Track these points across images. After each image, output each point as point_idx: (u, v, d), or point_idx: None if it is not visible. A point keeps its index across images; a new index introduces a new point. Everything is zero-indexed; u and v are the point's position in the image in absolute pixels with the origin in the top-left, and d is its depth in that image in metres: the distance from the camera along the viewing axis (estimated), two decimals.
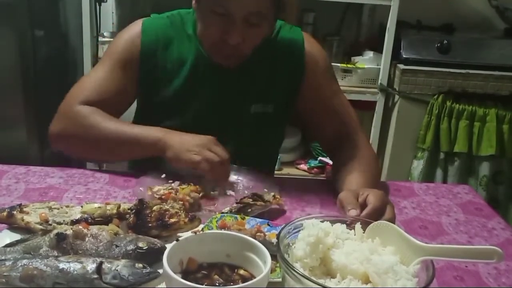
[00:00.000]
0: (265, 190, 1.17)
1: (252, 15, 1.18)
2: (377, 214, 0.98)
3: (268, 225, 0.99)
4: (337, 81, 1.45)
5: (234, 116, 1.36)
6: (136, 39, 1.33)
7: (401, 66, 2.52)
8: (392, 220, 1.01)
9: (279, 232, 0.79)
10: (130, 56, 1.32)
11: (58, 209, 0.98)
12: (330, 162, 2.75)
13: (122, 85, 1.32)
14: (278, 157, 1.59)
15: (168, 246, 0.77)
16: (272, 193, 1.13)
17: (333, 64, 2.57)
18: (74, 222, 0.93)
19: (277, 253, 0.76)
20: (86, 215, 0.95)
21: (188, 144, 1.18)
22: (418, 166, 2.56)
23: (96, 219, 0.95)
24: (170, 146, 1.19)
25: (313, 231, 0.78)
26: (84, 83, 1.35)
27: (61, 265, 0.78)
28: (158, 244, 0.86)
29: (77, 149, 1.30)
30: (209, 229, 0.95)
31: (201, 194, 1.15)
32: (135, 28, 1.35)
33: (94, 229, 0.88)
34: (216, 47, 1.26)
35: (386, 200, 1.04)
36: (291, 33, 1.38)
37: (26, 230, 0.93)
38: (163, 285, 0.80)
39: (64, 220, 0.94)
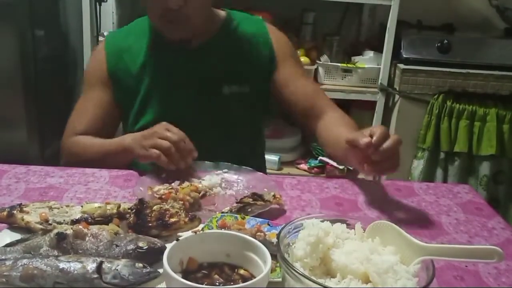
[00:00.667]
0: (265, 189, 1.17)
1: None
2: (386, 137, 1.06)
3: (268, 224, 0.99)
4: (302, 64, 1.59)
5: (207, 98, 1.41)
6: (102, 57, 1.44)
7: (402, 66, 2.52)
8: (399, 140, 1.08)
9: (279, 232, 0.79)
10: (100, 74, 1.43)
11: (58, 208, 0.98)
12: (331, 162, 2.76)
13: (104, 107, 1.42)
14: (265, 141, 1.64)
15: (168, 245, 0.77)
16: (272, 193, 1.13)
17: (333, 64, 2.62)
18: (74, 222, 0.93)
19: (277, 252, 0.76)
20: (86, 215, 0.95)
21: (139, 141, 1.22)
22: (418, 165, 2.56)
23: (96, 218, 0.95)
24: (130, 149, 1.24)
25: (313, 230, 0.78)
26: (73, 116, 1.46)
27: (61, 265, 0.78)
28: (158, 244, 0.86)
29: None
30: (209, 229, 0.95)
31: (201, 194, 1.15)
32: (99, 48, 1.47)
33: (94, 228, 0.88)
34: (162, 20, 1.31)
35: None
36: (253, 21, 1.50)
37: (26, 229, 0.93)
38: (163, 285, 0.80)
39: (64, 220, 0.94)
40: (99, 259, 0.79)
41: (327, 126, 1.37)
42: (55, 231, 0.87)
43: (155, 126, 1.23)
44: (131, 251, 0.84)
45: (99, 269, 0.78)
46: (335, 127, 1.34)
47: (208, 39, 1.42)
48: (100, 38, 2.54)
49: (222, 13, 1.48)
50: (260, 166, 1.54)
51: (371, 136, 1.06)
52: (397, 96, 2.56)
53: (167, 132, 1.19)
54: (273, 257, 0.76)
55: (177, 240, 0.78)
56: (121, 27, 1.55)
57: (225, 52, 1.43)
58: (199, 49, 1.42)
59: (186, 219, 0.94)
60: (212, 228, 0.96)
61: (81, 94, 1.49)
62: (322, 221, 0.81)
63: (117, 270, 0.78)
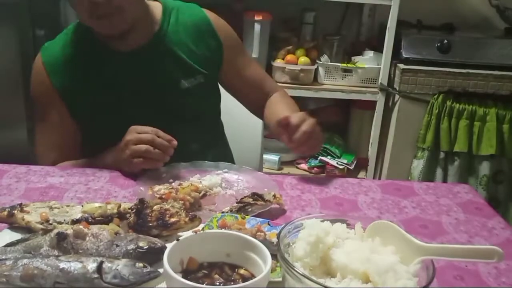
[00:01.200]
0: (265, 189, 1.17)
1: None
2: (304, 121, 1.22)
3: (269, 224, 0.99)
4: (246, 50, 1.60)
5: (166, 95, 1.39)
6: (42, 73, 1.35)
7: (402, 66, 2.52)
8: (313, 123, 1.23)
9: (280, 232, 0.79)
10: (46, 92, 1.35)
11: (59, 208, 0.98)
12: (331, 162, 2.77)
13: (64, 126, 1.37)
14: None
15: (169, 245, 0.77)
16: (272, 193, 1.13)
17: (333, 64, 2.62)
18: (74, 222, 0.93)
19: (277, 252, 0.76)
20: (86, 215, 0.95)
21: (118, 158, 1.23)
22: (418, 165, 2.56)
23: (97, 218, 0.95)
24: (118, 169, 1.25)
25: (313, 230, 0.78)
26: (40, 148, 1.41)
27: (62, 265, 0.78)
28: (159, 244, 0.86)
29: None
30: (209, 229, 0.95)
31: (201, 194, 1.15)
32: (37, 65, 1.37)
33: (95, 228, 0.88)
34: (93, 17, 1.24)
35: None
36: (191, 8, 1.45)
37: (27, 229, 0.93)
38: (164, 284, 0.80)
39: (64, 220, 0.94)
40: (99, 259, 0.80)
41: (268, 105, 1.51)
42: (56, 231, 0.87)
43: (125, 135, 1.21)
44: (131, 251, 0.84)
45: (99, 269, 0.78)
46: (274, 105, 1.50)
47: (150, 38, 1.36)
48: None
49: (157, 4, 1.42)
50: (226, 153, 1.58)
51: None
52: (397, 96, 2.56)
53: (138, 135, 1.18)
54: (273, 256, 0.76)
55: (178, 240, 0.78)
56: (45, 45, 1.41)
57: (171, 48, 1.38)
58: (143, 50, 1.36)
59: (187, 219, 0.94)
60: (213, 228, 0.96)
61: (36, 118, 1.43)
62: (322, 221, 0.81)
63: (118, 270, 0.78)
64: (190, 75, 1.40)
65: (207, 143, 1.45)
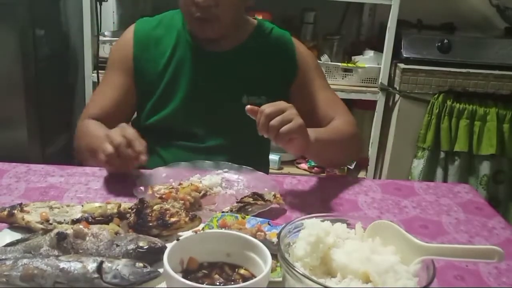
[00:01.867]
0: (266, 189, 1.17)
1: None
2: (277, 113, 1.09)
3: (269, 224, 0.99)
4: (325, 78, 1.52)
5: (224, 104, 1.40)
6: (129, 42, 1.41)
7: (402, 65, 2.52)
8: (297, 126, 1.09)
9: (280, 232, 0.79)
10: (125, 59, 1.41)
11: (59, 208, 0.98)
12: None
13: (122, 92, 1.41)
14: (269, 152, 1.62)
15: (169, 245, 0.77)
16: (273, 193, 1.13)
17: (333, 63, 2.62)
18: (74, 222, 0.93)
19: (277, 252, 0.76)
20: (86, 215, 0.95)
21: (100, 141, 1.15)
22: (418, 165, 2.56)
23: (97, 218, 0.95)
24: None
25: (313, 230, 0.78)
26: (91, 99, 1.47)
27: (62, 265, 0.78)
28: (159, 244, 0.86)
29: (85, 158, 1.34)
30: (209, 229, 0.95)
31: (201, 193, 1.15)
32: (128, 33, 1.44)
33: (95, 228, 0.88)
34: (192, 16, 1.30)
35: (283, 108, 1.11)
36: (282, 33, 1.49)
37: (27, 229, 0.93)
38: (164, 284, 0.80)
39: (64, 220, 0.94)
40: (99, 259, 0.79)
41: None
42: (56, 230, 0.87)
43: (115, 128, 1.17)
44: (131, 251, 0.84)
45: (99, 268, 0.78)
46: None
47: (236, 45, 1.42)
48: (101, 38, 2.54)
49: (254, 21, 1.48)
50: (264, 166, 1.55)
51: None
52: (397, 96, 2.56)
53: (115, 135, 1.11)
54: (274, 256, 0.76)
55: (178, 239, 0.78)
56: (152, 16, 1.48)
57: (249, 61, 1.42)
58: (225, 54, 1.41)
59: (187, 219, 0.94)
60: (213, 228, 0.96)
61: (103, 76, 1.48)
62: (323, 221, 0.81)
63: (118, 269, 0.78)
64: (253, 93, 1.40)
65: (247, 156, 1.36)
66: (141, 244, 0.85)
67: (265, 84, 1.42)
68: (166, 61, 1.40)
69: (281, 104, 1.12)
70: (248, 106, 1.13)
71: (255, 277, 0.74)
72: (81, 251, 0.85)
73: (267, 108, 1.10)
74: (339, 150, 1.36)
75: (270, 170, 2.64)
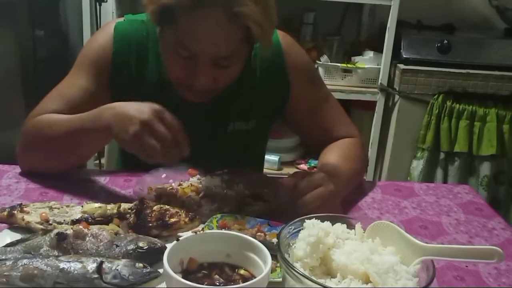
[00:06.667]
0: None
1: (221, 58, 1.08)
2: (310, 187, 1.02)
3: (269, 225, 0.99)
4: (323, 85, 1.39)
5: (207, 137, 1.26)
6: (107, 47, 1.21)
7: (401, 66, 2.52)
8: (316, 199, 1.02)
9: (280, 232, 0.79)
10: (100, 65, 1.21)
11: (59, 208, 0.98)
12: None
13: (92, 92, 1.20)
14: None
15: (169, 245, 0.77)
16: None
17: (333, 64, 2.62)
18: (74, 222, 0.93)
19: (277, 253, 0.76)
20: (86, 215, 0.95)
21: (122, 122, 0.99)
22: (418, 166, 2.56)
23: (97, 218, 0.95)
24: (109, 129, 1.01)
25: (313, 231, 0.78)
26: (52, 94, 1.23)
27: (62, 265, 0.78)
28: (159, 244, 0.86)
29: (38, 160, 1.19)
30: (209, 229, 0.95)
31: (201, 194, 1.15)
32: (107, 34, 1.23)
33: (95, 228, 0.88)
34: (183, 87, 1.15)
35: (318, 183, 1.04)
36: (271, 49, 1.24)
37: (27, 229, 0.93)
38: (164, 285, 0.80)
39: (64, 220, 0.94)
40: (99, 259, 0.80)
41: (325, 150, 1.32)
42: (55, 231, 0.87)
43: (145, 107, 0.99)
44: (131, 251, 0.84)
45: (99, 269, 0.78)
46: (329, 151, 1.30)
47: (226, 88, 1.19)
48: None
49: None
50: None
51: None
52: (397, 96, 2.56)
53: (158, 126, 0.97)
54: (273, 257, 0.76)
55: (177, 240, 0.78)
56: (124, 19, 1.27)
57: (237, 96, 1.27)
58: (212, 103, 1.22)
59: (186, 219, 0.94)
60: (212, 228, 0.96)
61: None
62: (322, 221, 0.81)
63: (117, 270, 0.78)
64: (241, 119, 1.29)
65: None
66: (141, 244, 0.85)
67: (254, 108, 1.30)
68: (146, 87, 1.23)
69: (316, 179, 1.04)
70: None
71: (255, 277, 0.75)
72: (81, 251, 0.85)
73: (301, 184, 1.03)
74: (357, 175, 1.29)
75: (270, 171, 2.66)
